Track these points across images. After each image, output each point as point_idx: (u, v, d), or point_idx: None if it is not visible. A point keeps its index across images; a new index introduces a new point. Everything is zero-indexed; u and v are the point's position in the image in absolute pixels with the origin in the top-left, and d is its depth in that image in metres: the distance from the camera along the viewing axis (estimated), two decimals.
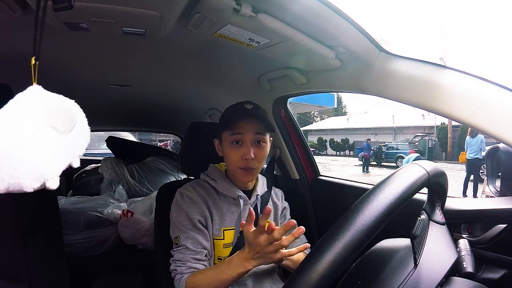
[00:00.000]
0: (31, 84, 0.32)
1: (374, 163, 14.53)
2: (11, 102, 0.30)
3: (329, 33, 0.67)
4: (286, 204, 0.96)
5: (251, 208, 0.65)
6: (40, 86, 0.32)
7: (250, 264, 0.64)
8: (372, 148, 14.48)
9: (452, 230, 0.69)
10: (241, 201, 0.81)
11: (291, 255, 0.65)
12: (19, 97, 0.30)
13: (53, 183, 0.30)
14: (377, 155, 14.53)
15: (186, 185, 0.83)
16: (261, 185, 0.88)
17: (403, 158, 12.95)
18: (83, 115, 0.35)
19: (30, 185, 0.28)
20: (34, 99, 0.31)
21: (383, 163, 14.56)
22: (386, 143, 15.88)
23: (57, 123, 0.31)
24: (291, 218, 0.71)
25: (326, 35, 0.69)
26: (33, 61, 0.33)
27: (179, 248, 0.75)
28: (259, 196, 0.85)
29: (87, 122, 0.35)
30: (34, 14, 0.32)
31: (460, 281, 0.45)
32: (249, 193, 0.85)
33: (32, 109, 0.30)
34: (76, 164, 0.33)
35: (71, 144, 0.32)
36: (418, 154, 11.71)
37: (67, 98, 0.34)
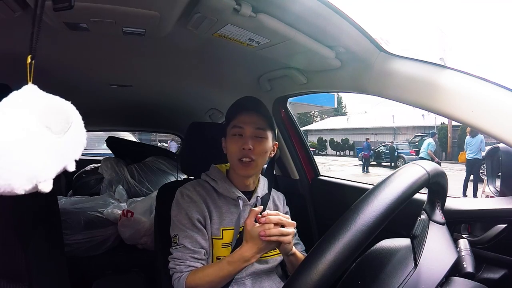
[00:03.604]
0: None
1: (374, 163, 14.47)
2: (4, 100, 0.29)
3: (329, 33, 0.67)
4: (287, 208, 0.97)
5: (252, 208, 0.70)
6: (36, 86, 0.31)
7: (254, 258, 0.67)
8: (375, 149, 14.36)
9: (452, 230, 0.69)
10: (241, 202, 0.81)
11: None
12: (13, 95, 0.29)
13: (46, 186, 0.28)
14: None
15: (186, 185, 0.84)
16: (262, 187, 0.89)
17: (403, 158, 12.91)
18: (80, 117, 0.33)
19: (21, 187, 0.27)
20: (28, 98, 0.30)
21: (382, 163, 14.51)
22: (386, 143, 15.87)
23: (52, 123, 0.29)
24: (292, 219, 0.73)
25: (326, 35, 0.69)
26: (29, 60, 0.32)
27: (178, 246, 0.75)
28: (259, 198, 0.85)
29: (83, 124, 0.34)
30: (33, 13, 0.32)
31: (460, 281, 0.45)
32: (249, 194, 0.85)
33: (26, 108, 0.29)
34: (71, 167, 0.32)
35: (66, 146, 0.31)
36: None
37: (63, 99, 0.33)
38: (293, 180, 1.28)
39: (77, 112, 0.33)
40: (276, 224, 0.67)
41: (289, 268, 0.83)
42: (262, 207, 0.73)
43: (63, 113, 0.31)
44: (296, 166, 1.27)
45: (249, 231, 0.68)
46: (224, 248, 0.79)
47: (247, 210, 0.84)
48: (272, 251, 0.84)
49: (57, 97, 0.32)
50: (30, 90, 0.31)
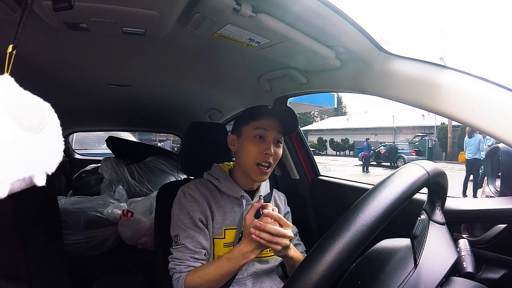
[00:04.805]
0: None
1: (374, 163, 14.46)
2: None
3: (329, 33, 0.67)
4: (288, 208, 0.97)
5: (254, 204, 0.72)
6: (12, 78, 0.27)
7: (254, 253, 0.68)
8: (375, 149, 14.29)
9: (452, 230, 0.69)
10: (244, 201, 0.81)
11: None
12: None
13: (0, 189, 0.23)
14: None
15: (189, 184, 0.83)
16: (264, 186, 0.89)
17: (403, 158, 12.90)
18: (58, 123, 0.29)
19: None
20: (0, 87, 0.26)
21: (382, 163, 14.49)
22: (386, 143, 15.88)
23: (21, 116, 0.25)
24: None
25: (326, 35, 0.69)
26: (9, 49, 0.28)
27: (178, 246, 0.75)
28: (261, 197, 0.85)
29: (61, 134, 0.29)
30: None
31: (460, 281, 0.45)
32: (252, 193, 0.85)
33: None
34: (40, 181, 0.27)
35: (35, 149, 0.26)
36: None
37: (42, 100, 0.29)
38: (293, 180, 1.29)
39: (55, 117, 0.29)
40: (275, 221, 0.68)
41: (288, 269, 0.83)
42: (262, 201, 0.73)
43: (38, 110, 0.27)
44: (296, 166, 1.27)
45: (248, 226, 0.68)
46: (226, 248, 0.79)
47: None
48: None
49: (36, 96, 0.28)
50: (4, 79, 0.27)
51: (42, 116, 0.27)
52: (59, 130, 0.29)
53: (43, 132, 0.27)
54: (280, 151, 0.81)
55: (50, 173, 0.28)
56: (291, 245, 0.72)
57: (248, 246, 0.67)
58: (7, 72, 0.27)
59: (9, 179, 0.24)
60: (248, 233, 0.68)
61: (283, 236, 0.66)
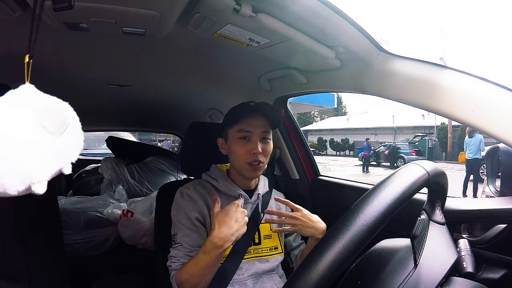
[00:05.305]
0: (31, 84, 0.31)
1: (374, 163, 14.45)
2: (0, 98, 0.28)
3: (329, 33, 0.67)
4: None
5: (215, 196, 0.73)
6: (33, 86, 0.30)
7: (226, 242, 0.66)
8: (375, 149, 14.26)
9: (452, 230, 0.69)
10: (242, 200, 0.81)
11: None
12: (9, 94, 0.29)
13: (40, 187, 0.28)
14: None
15: (187, 184, 0.84)
16: (263, 185, 0.89)
17: (403, 158, 12.89)
18: (77, 119, 0.33)
19: (14, 187, 0.26)
20: (25, 97, 0.29)
21: (382, 163, 14.49)
22: (386, 143, 15.87)
23: (48, 123, 0.29)
24: None
25: (326, 35, 0.69)
26: (26, 59, 0.31)
27: (176, 245, 0.76)
28: (260, 196, 0.86)
29: (81, 127, 0.33)
30: (33, 13, 0.32)
31: (460, 281, 0.45)
32: (250, 192, 0.85)
33: (22, 107, 0.28)
34: (67, 170, 0.31)
35: (62, 147, 0.30)
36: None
37: (61, 100, 0.32)
38: (293, 180, 1.28)
39: (74, 113, 0.32)
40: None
41: (305, 251, 0.88)
42: (217, 197, 0.73)
43: (60, 114, 0.31)
44: (296, 166, 1.27)
45: (215, 216, 0.68)
46: None
47: (249, 208, 0.84)
48: (273, 250, 0.84)
49: (55, 98, 0.32)
50: (27, 90, 0.30)
51: (64, 118, 0.31)
52: (79, 126, 0.33)
53: (66, 131, 0.31)
54: (269, 147, 0.81)
55: (74, 162, 0.32)
56: (319, 224, 0.78)
57: (217, 234, 0.66)
58: (27, 80, 0.31)
59: (46, 178, 0.29)
60: (216, 223, 0.67)
61: (292, 216, 0.78)
